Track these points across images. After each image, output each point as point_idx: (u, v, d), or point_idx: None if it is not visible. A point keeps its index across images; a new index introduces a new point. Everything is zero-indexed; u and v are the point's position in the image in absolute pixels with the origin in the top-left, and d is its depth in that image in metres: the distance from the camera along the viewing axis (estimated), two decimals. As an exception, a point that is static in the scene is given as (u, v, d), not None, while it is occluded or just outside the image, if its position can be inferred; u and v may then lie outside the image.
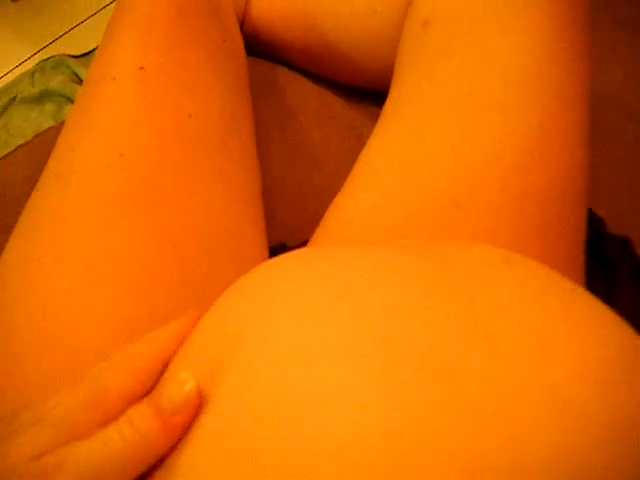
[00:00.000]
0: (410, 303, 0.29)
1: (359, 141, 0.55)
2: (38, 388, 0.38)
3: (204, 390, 0.29)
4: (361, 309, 0.29)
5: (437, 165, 0.45)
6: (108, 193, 0.43)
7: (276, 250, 0.54)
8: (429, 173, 0.45)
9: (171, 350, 0.32)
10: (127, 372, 0.30)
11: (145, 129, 0.45)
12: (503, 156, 0.44)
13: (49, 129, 0.71)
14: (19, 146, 0.67)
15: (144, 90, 0.47)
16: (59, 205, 0.44)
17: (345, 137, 0.67)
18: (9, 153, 0.66)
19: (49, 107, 0.93)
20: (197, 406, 0.28)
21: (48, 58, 1.01)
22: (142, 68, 0.47)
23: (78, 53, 1.03)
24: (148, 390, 0.30)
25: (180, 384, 0.28)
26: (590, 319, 0.30)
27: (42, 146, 0.65)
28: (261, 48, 0.72)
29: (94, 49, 1.02)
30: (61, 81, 0.96)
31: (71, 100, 0.93)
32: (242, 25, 0.70)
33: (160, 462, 0.28)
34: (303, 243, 0.52)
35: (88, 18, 1.24)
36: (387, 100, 0.53)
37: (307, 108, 0.69)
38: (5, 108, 0.96)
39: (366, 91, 0.69)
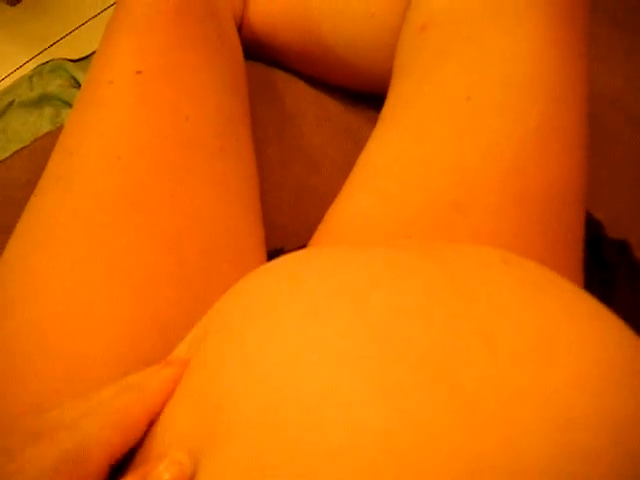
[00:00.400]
0: (410, 303, 0.29)
1: (357, 144, 0.55)
2: (37, 392, 0.38)
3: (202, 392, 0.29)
4: (361, 309, 0.29)
5: (436, 168, 0.45)
6: (107, 196, 0.43)
7: (274, 254, 0.54)
8: (428, 176, 0.45)
9: (159, 404, 0.31)
10: (112, 427, 0.29)
11: (143, 132, 0.45)
12: (502, 158, 0.44)
13: (48, 133, 0.71)
14: (18, 150, 0.67)
15: (141, 94, 0.47)
16: (58, 208, 0.44)
17: (343, 140, 0.67)
18: (8, 157, 0.66)
19: (47, 111, 0.94)
20: None
21: (46, 62, 1.01)
22: (140, 72, 0.47)
23: (76, 57, 1.03)
24: (132, 444, 0.30)
25: (175, 468, 0.27)
26: (589, 319, 0.30)
27: (41, 150, 0.65)
28: (259, 51, 0.72)
29: (92, 53, 1.02)
30: (59, 85, 0.96)
31: (69, 104, 0.93)
32: (240, 29, 0.70)
33: None
34: (301, 247, 0.52)
35: (86, 22, 1.24)
36: (385, 103, 0.53)
37: (305, 111, 0.69)
38: (3, 112, 0.96)
39: (364, 94, 0.69)
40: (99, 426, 0.28)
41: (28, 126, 0.93)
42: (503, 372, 0.26)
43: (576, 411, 0.25)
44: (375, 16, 0.60)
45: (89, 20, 1.25)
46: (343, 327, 0.28)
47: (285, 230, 0.60)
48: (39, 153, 0.64)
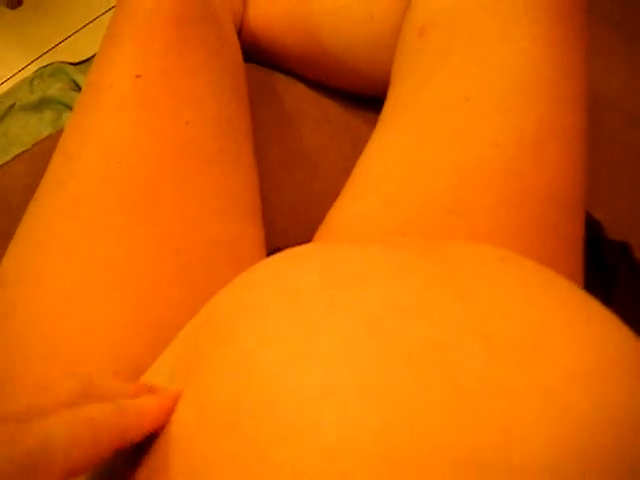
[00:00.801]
0: (407, 301, 0.29)
1: (357, 146, 0.55)
2: (38, 395, 0.39)
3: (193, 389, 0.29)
4: (358, 306, 0.29)
5: (434, 169, 0.45)
6: (106, 201, 0.43)
7: (273, 254, 0.54)
8: (427, 177, 0.45)
9: (140, 429, 0.28)
10: (80, 444, 0.24)
11: (142, 137, 0.46)
12: (500, 160, 0.44)
13: (48, 137, 0.71)
14: (18, 154, 0.67)
15: (141, 98, 0.47)
16: (58, 213, 0.44)
17: (343, 143, 0.67)
18: (8, 161, 0.66)
19: (48, 114, 0.94)
20: None
21: (46, 65, 1.01)
22: (139, 76, 0.47)
23: (76, 60, 1.03)
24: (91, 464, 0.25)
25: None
26: (587, 318, 0.30)
27: (41, 154, 0.65)
28: (259, 55, 0.72)
29: (92, 56, 1.02)
30: (60, 88, 0.96)
31: (70, 107, 0.93)
32: (240, 32, 0.70)
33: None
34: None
35: (86, 25, 1.24)
36: (384, 106, 0.53)
37: (305, 114, 0.69)
38: (4, 115, 0.96)
39: (363, 97, 0.69)
40: (66, 433, 0.24)
41: (29, 129, 0.93)
42: (501, 370, 0.26)
43: (574, 409, 0.25)
44: (374, 19, 0.60)
45: (89, 23, 1.25)
46: (340, 324, 0.28)
47: (285, 232, 0.60)
48: (39, 157, 0.63)
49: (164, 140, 0.46)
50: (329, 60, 0.66)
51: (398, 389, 0.25)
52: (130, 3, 0.52)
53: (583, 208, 0.47)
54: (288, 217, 0.62)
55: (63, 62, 1.02)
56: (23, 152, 0.67)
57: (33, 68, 1.10)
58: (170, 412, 0.29)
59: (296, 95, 0.70)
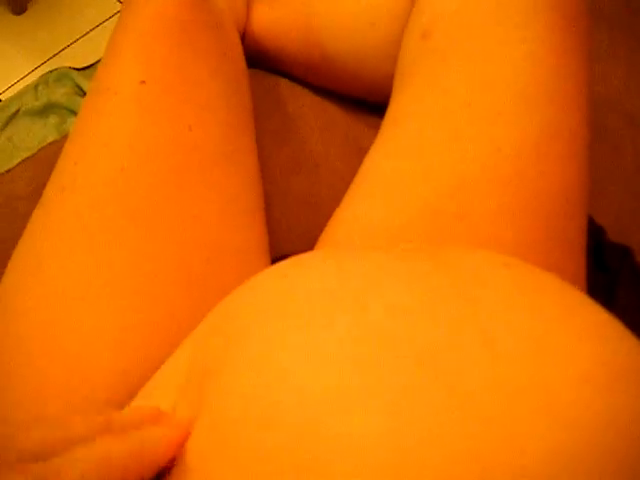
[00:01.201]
0: (412, 306, 0.29)
1: (360, 152, 0.55)
2: (40, 400, 0.39)
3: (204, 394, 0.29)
4: (362, 311, 0.29)
5: (437, 175, 0.45)
6: (111, 207, 0.43)
7: (278, 261, 0.54)
8: (429, 183, 0.45)
9: (157, 464, 0.27)
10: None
11: (146, 143, 0.46)
12: (503, 165, 0.44)
13: (52, 142, 0.71)
14: (23, 159, 0.67)
15: (145, 104, 0.47)
16: (62, 219, 0.44)
17: (346, 148, 0.67)
18: (13, 167, 0.66)
19: (53, 119, 0.94)
20: None
21: (51, 71, 1.02)
22: (143, 82, 0.47)
23: (81, 66, 1.04)
24: None
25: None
26: (590, 322, 0.30)
27: (46, 159, 0.65)
28: (262, 60, 0.72)
29: (97, 61, 1.02)
30: (64, 94, 0.97)
31: (74, 112, 0.94)
32: (243, 38, 0.70)
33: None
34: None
35: (90, 31, 1.25)
36: (387, 111, 0.53)
37: (308, 119, 0.69)
38: (9, 121, 0.97)
39: (366, 102, 0.69)
40: (80, 472, 0.24)
41: (34, 134, 0.93)
42: (503, 374, 0.26)
43: (575, 412, 0.25)
44: (376, 25, 0.60)
45: (94, 29, 1.25)
46: (344, 329, 0.28)
47: (288, 237, 0.60)
48: (44, 162, 0.64)
49: (168, 146, 0.46)
50: (331, 66, 0.66)
51: (401, 393, 0.26)
52: (135, 9, 0.52)
53: (586, 212, 0.47)
54: (291, 222, 0.62)
55: (68, 67, 1.02)
56: (28, 157, 0.68)
57: (38, 73, 1.11)
58: (185, 441, 0.28)
59: (299, 100, 0.70)
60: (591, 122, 0.48)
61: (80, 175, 0.45)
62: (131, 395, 0.38)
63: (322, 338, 0.28)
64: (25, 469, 0.24)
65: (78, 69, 1.03)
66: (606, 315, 0.31)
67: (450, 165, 0.45)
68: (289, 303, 0.31)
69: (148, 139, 0.46)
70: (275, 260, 0.53)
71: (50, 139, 0.87)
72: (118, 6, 1.31)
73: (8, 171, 0.66)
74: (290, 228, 0.62)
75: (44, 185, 0.48)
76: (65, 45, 1.23)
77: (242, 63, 0.60)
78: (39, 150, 0.68)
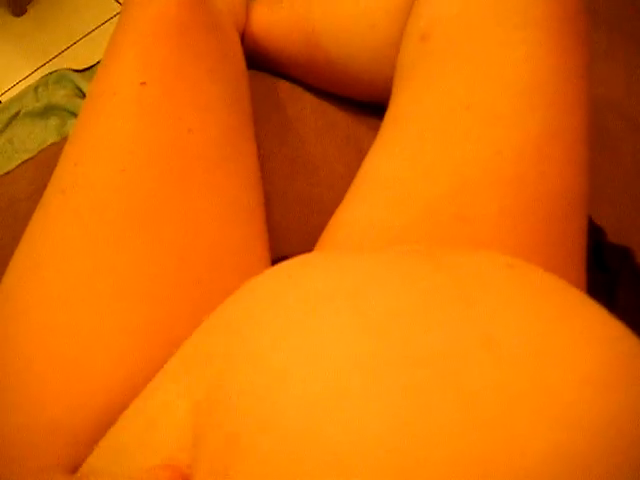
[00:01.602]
0: (412, 307, 0.29)
1: (360, 153, 0.55)
2: (39, 403, 0.39)
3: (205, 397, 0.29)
4: (363, 313, 0.29)
5: (437, 178, 0.45)
6: (111, 209, 0.44)
7: (278, 263, 0.54)
8: (429, 186, 0.45)
9: None
10: None
11: (146, 145, 0.46)
12: (503, 167, 0.44)
13: (53, 144, 0.71)
14: (23, 161, 0.67)
15: (145, 106, 0.47)
16: (62, 220, 0.44)
17: (346, 149, 0.67)
18: (13, 169, 0.66)
19: (53, 121, 0.94)
20: None
21: (51, 72, 1.02)
22: (143, 84, 0.47)
23: (81, 67, 1.04)
24: None
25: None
26: (590, 323, 0.30)
27: (46, 161, 0.65)
28: (262, 62, 0.72)
29: (97, 63, 1.02)
30: (64, 95, 0.97)
31: (75, 114, 0.93)
32: (242, 39, 0.70)
33: None
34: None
35: (90, 32, 1.25)
36: (387, 113, 0.53)
37: (308, 121, 0.69)
38: (9, 122, 0.96)
39: (367, 103, 0.69)
40: None
41: (34, 136, 0.93)
42: (504, 375, 0.26)
43: (576, 412, 0.25)
44: (376, 27, 0.60)
45: (94, 30, 1.25)
46: (345, 331, 0.28)
47: (288, 239, 0.60)
48: (44, 164, 0.64)
49: (168, 147, 0.46)
50: (331, 68, 0.66)
51: (402, 394, 0.26)
52: (134, 11, 0.52)
53: (586, 213, 0.47)
54: (291, 223, 0.62)
55: (68, 69, 1.02)
56: (28, 159, 0.68)
57: (38, 75, 1.11)
58: None
59: (299, 102, 0.70)
60: (591, 125, 0.48)
61: (80, 177, 0.45)
62: (131, 398, 0.38)
63: (322, 339, 0.28)
64: None
65: (78, 71, 1.03)
66: (607, 316, 0.31)
67: (450, 167, 0.45)
68: (288, 304, 0.31)
69: (148, 141, 0.46)
70: (275, 261, 0.54)
71: (50, 141, 0.87)
72: (118, 8, 1.31)
73: (8, 173, 0.66)
74: (290, 229, 0.62)
75: (44, 187, 0.48)
76: (65, 47, 1.23)
77: (242, 64, 0.60)
78: (39, 152, 0.68)
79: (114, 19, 1.26)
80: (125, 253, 0.42)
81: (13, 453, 0.38)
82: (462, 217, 0.43)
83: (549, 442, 0.25)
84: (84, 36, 1.24)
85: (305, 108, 0.70)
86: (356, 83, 0.66)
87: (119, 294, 0.41)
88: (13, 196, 0.63)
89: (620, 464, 0.25)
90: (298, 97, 0.71)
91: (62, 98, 0.96)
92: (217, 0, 0.59)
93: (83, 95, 0.98)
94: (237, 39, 0.61)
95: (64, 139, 0.61)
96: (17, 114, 0.97)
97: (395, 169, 0.48)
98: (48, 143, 0.83)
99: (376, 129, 0.54)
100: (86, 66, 1.04)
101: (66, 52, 1.22)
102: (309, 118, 0.69)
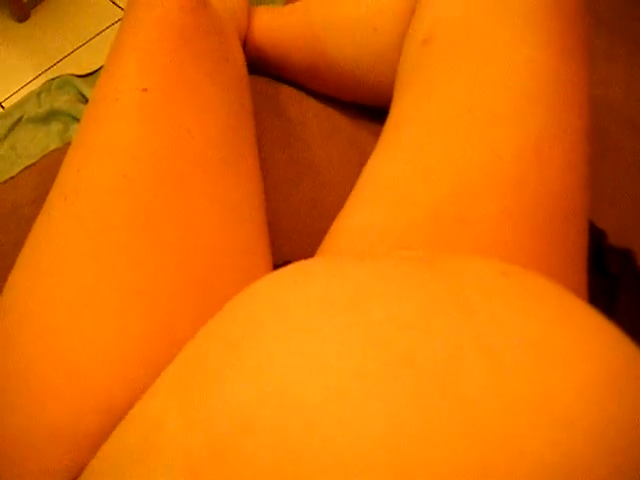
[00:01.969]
0: (410, 314, 0.29)
1: (362, 157, 0.55)
2: (39, 406, 0.39)
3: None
4: (362, 320, 0.29)
5: (438, 180, 0.45)
6: (113, 214, 0.44)
7: (280, 267, 0.54)
8: (431, 188, 0.45)
9: None
10: None
11: (148, 150, 0.46)
12: (503, 171, 0.44)
13: (55, 150, 0.72)
14: (26, 167, 0.68)
15: (147, 111, 0.47)
16: (65, 226, 0.44)
17: (348, 153, 0.67)
18: (16, 175, 0.66)
19: (56, 127, 0.94)
20: None
21: (54, 78, 1.02)
22: (145, 89, 0.48)
23: (84, 73, 1.04)
24: None
25: None
26: (588, 329, 0.30)
27: (48, 167, 0.65)
28: (264, 66, 0.72)
29: (99, 68, 1.03)
30: (67, 101, 0.97)
31: (77, 119, 0.94)
32: (244, 44, 0.70)
33: None
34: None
35: (93, 38, 1.25)
36: (388, 116, 0.53)
37: (310, 125, 0.69)
38: (12, 128, 0.97)
39: (369, 107, 0.69)
40: None
41: (37, 142, 0.93)
42: (503, 381, 0.26)
43: (575, 419, 0.26)
44: (377, 30, 0.60)
45: (96, 36, 1.26)
46: (344, 338, 0.28)
47: (291, 243, 0.60)
48: (47, 170, 0.64)
49: (170, 153, 0.47)
50: (333, 72, 0.66)
51: (401, 401, 0.26)
52: (136, 16, 0.53)
53: (587, 216, 0.47)
54: (293, 228, 0.63)
55: (71, 74, 1.03)
56: (31, 165, 0.68)
57: (41, 81, 1.11)
58: None
59: (301, 106, 0.71)
60: (592, 128, 0.48)
61: (82, 182, 0.45)
62: (134, 401, 0.38)
63: (323, 344, 0.28)
64: None
65: (81, 76, 1.03)
66: (605, 322, 0.31)
67: (451, 170, 0.45)
68: (288, 310, 0.31)
69: (150, 146, 0.46)
70: (277, 266, 0.54)
71: (53, 146, 0.88)
72: (120, 13, 1.32)
73: (11, 179, 0.66)
74: (294, 232, 0.62)
75: (47, 192, 0.48)
76: (68, 52, 1.23)
77: (243, 69, 0.60)
78: (42, 157, 0.68)
79: (116, 25, 1.27)
80: (127, 257, 0.43)
81: (15, 456, 0.38)
82: (463, 220, 0.43)
83: (548, 442, 0.25)
84: (87, 41, 1.25)
85: (308, 112, 0.70)
86: (358, 87, 0.66)
87: (121, 298, 0.42)
88: (16, 202, 0.63)
89: (619, 464, 0.25)
90: (301, 102, 0.71)
91: (65, 103, 0.96)
92: (218, 6, 0.59)
93: (86, 100, 0.98)
94: (238, 44, 0.61)
95: (67, 145, 0.61)
96: (20, 120, 0.97)
97: (396, 172, 0.48)
98: (51, 149, 0.84)
99: (378, 133, 0.54)
100: (89, 71, 1.04)
101: (69, 57, 1.23)
102: (312, 122, 0.69)
